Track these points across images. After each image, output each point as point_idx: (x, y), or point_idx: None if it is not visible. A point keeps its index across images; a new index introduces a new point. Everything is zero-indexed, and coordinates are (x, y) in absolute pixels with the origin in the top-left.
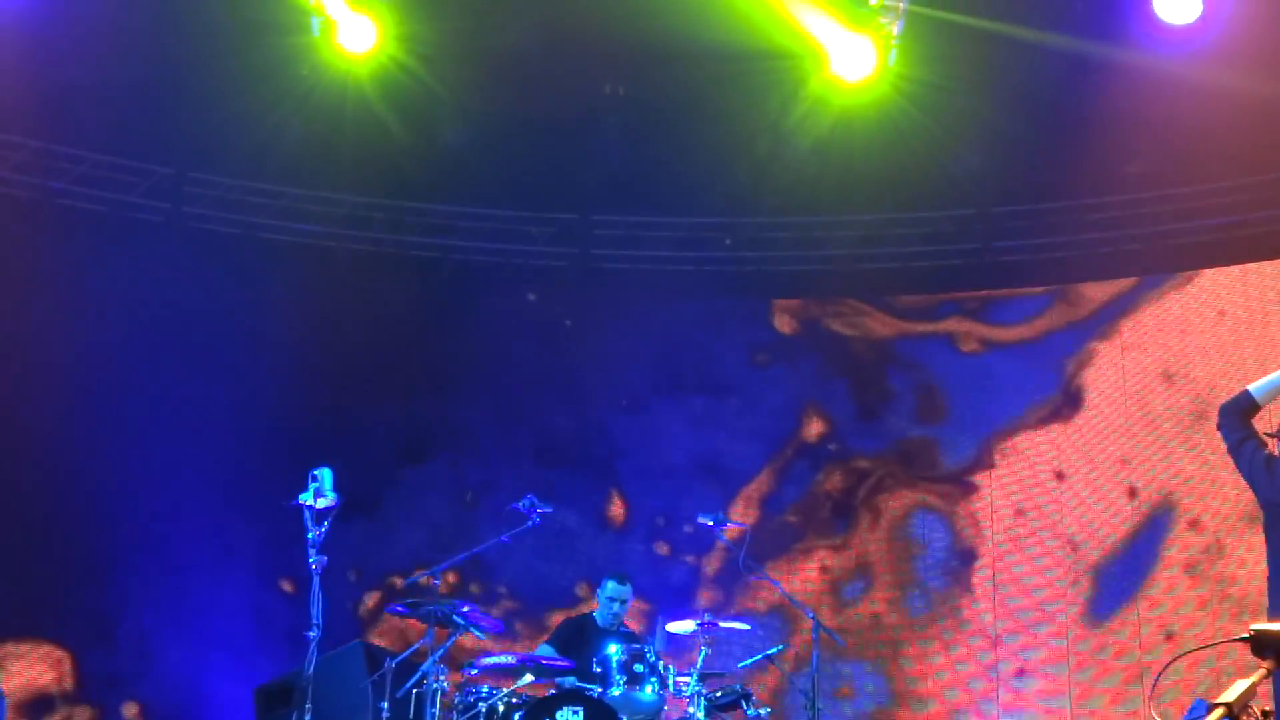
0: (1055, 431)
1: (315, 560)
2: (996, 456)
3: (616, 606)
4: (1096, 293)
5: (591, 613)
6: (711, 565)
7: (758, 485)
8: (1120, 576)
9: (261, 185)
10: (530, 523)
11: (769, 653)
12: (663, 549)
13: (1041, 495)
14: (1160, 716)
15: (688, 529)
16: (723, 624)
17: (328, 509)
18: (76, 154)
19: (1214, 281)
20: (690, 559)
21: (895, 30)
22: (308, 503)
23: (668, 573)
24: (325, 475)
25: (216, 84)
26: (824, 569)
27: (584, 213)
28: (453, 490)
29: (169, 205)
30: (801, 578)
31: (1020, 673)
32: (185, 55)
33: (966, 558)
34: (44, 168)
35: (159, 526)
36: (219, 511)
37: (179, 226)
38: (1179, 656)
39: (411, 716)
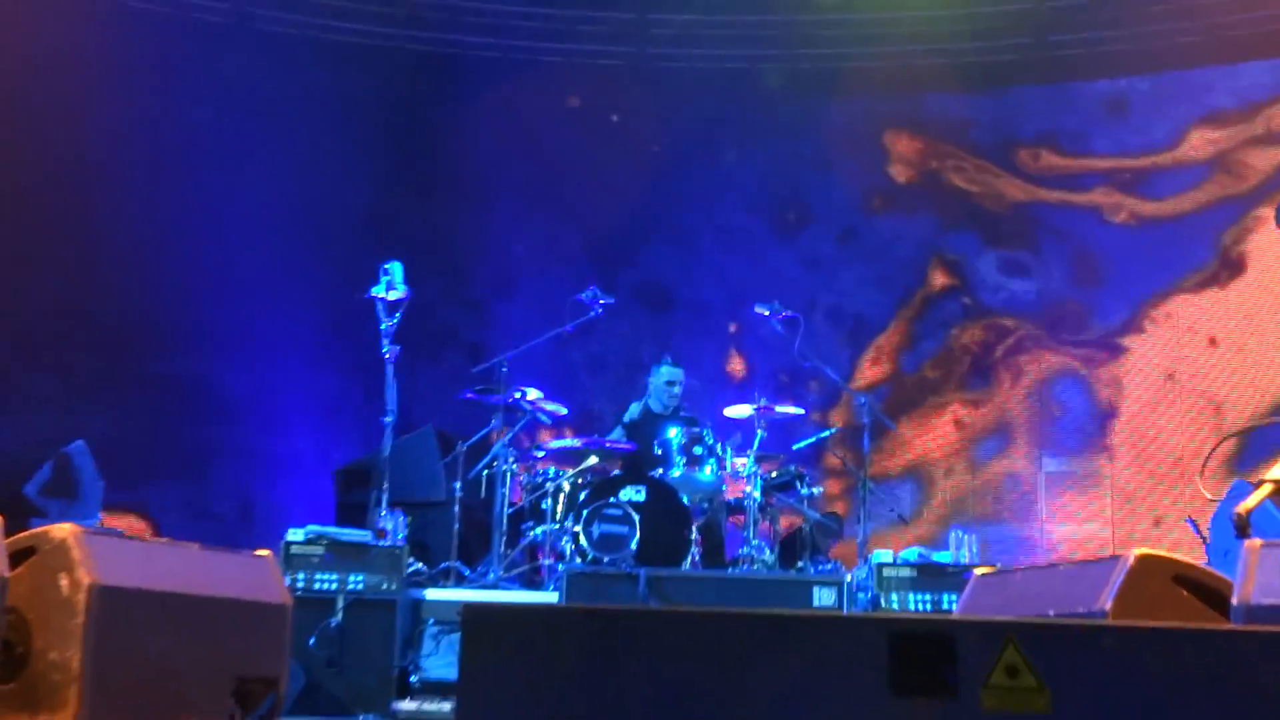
0: (1210, 298)
1: (388, 349)
2: (1146, 322)
3: (676, 389)
4: (1261, 162)
5: (646, 399)
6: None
7: (891, 335)
8: (1272, 439)
9: None
10: (592, 313)
11: (822, 435)
12: (736, 363)
13: (1193, 360)
14: (1208, 492)
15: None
16: (778, 409)
17: (399, 301)
18: None
19: None
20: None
21: None
22: (380, 295)
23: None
24: (396, 269)
25: None
26: (959, 423)
27: (640, 10)
28: (516, 282)
29: (234, 7)
30: (939, 432)
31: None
32: None
33: (1107, 419)
34: None
35: (242, 316)
36: (298, 304)
37: (245, 29)
38: (1230, 436)
39: (483, 496)
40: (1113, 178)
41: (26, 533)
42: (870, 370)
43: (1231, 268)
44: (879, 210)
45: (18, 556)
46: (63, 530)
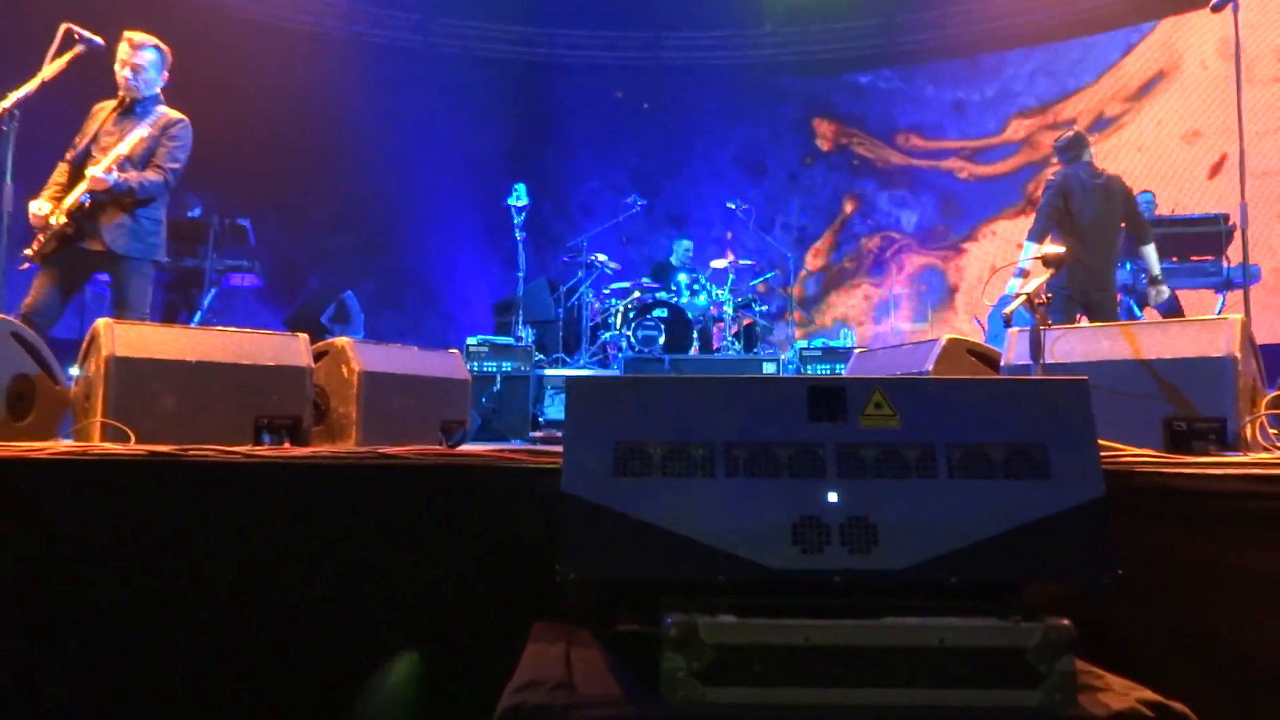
0: (1018, 224)
1: (520, 235)
2: (980, 236)
3: (683, 252)
4: (1050, 139)
5: (670, 257)
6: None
7: (823, 242)
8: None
9: (468, 23)
10: (635, 210)
11: (766, 276)
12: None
13: (1004, 257)
14: (988, 301)
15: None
16: (741, 261)
17: (523, 206)
18: (363, 8)
19: None
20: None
21: None
22: (513, 203)
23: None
24: (521, 188)
25: None
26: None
27: (657, 30)
28: (590, 195)
29: (421, 37)
30: (854, 300)
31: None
32: None
33: (953, 293)
34: (343, 13)
35: (436, 218)
36: (468, 210)
37: (431, 49)
38: (999, 270)
39: (576, 317)
40: (959, 152)
41: (323, 342)
42: (811, 262)
43: (1030, 205)
44: (810, 166)
45: (318, 355)
46: (342, 340)
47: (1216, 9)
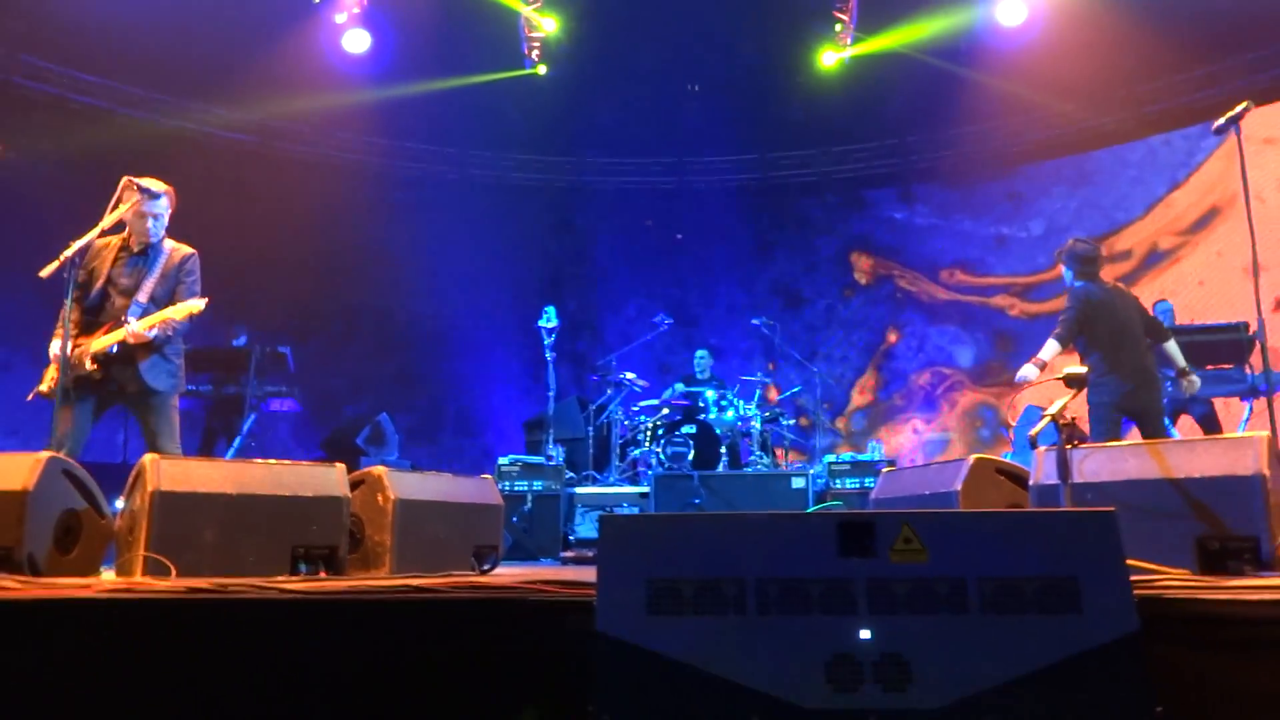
0: (1070, 359)
1: (550, 356)
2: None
3: (704, 364)
4: (1105, 275)
5: (694, 371)
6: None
7: (868, 378)
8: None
9: (502, 154)
10: (662, 328)
11: (792, 390)
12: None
13: (1054, 393)
14: (1012, 419)
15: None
16: (766, 379)
17: (553, 328)
18: (399, 144)
19: None
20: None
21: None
22: (544, 325)
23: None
24: (551, 310)
25: (467, 100)
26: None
27: (680, 156)
28: (619, 314)
29: (457, 169)
30: (904, 436)
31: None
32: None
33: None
34: (382, 150)
35: (472, 337)
36: (502, 329)
37: (468, 180)
38: (1030, 384)
39: (605, 434)
40: (1008, 289)
41: (359, 470)
42: (858, 398)
43: None
44: (849, 297)
45: (354, 484)
46: (378, 469)
47: (1219, 132)
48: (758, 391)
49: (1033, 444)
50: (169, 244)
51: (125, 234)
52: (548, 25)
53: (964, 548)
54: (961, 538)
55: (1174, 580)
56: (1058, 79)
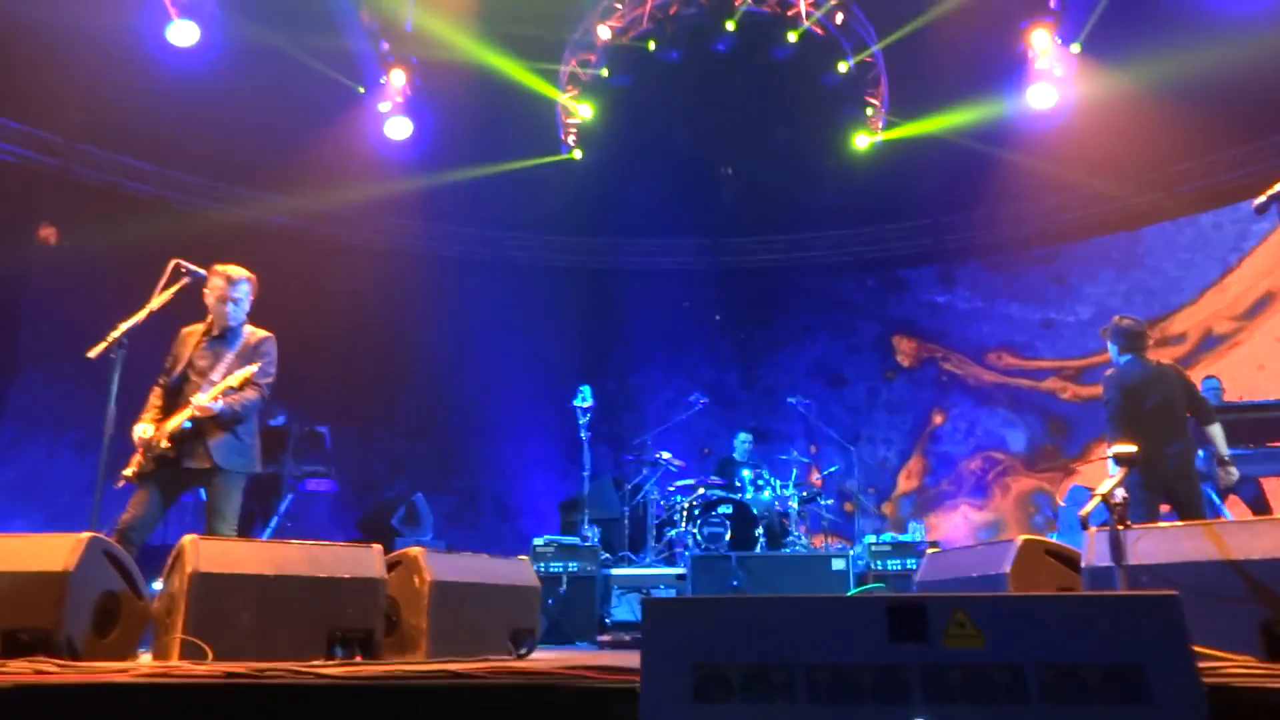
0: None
1: (585, 435)
2: (1093, 456)
3: (747, 446)
4: (1161, 356)
5: (732, 453)
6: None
7: (915, 463)
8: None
9: (539, 236)
10: (698, 407)
11: (830, 469)
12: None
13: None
14: (1060, 501)
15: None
16: (804, 459)
17: (588, 407)
18: (439, 227)
19: None
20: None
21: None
22: (578, 404)
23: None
24: (586, 389)
25: (505, 185)
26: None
27: (715, 237)
28: (653, 393)
29: (495, 251)
30: (954, 522)
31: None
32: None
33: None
34: (421, 232)
35: (506, 417)
36: (536, 409)
37: (504, 262)
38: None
39: (641, 514)
40: (1059, 372)
41: (395, 552)
42: (905, 483)
43: None
44: (892, 379)
45: (391, 565)
46: (415, 550)
47: (1260, 210)
48: (794, 471)
49: (1083, 524)
50: (249, 328)
51: (209, 320)
52: (584, 111)
53: (1021, 633)
54: (1018, 622)
55: (1240, 668)
56: (1092, 159)
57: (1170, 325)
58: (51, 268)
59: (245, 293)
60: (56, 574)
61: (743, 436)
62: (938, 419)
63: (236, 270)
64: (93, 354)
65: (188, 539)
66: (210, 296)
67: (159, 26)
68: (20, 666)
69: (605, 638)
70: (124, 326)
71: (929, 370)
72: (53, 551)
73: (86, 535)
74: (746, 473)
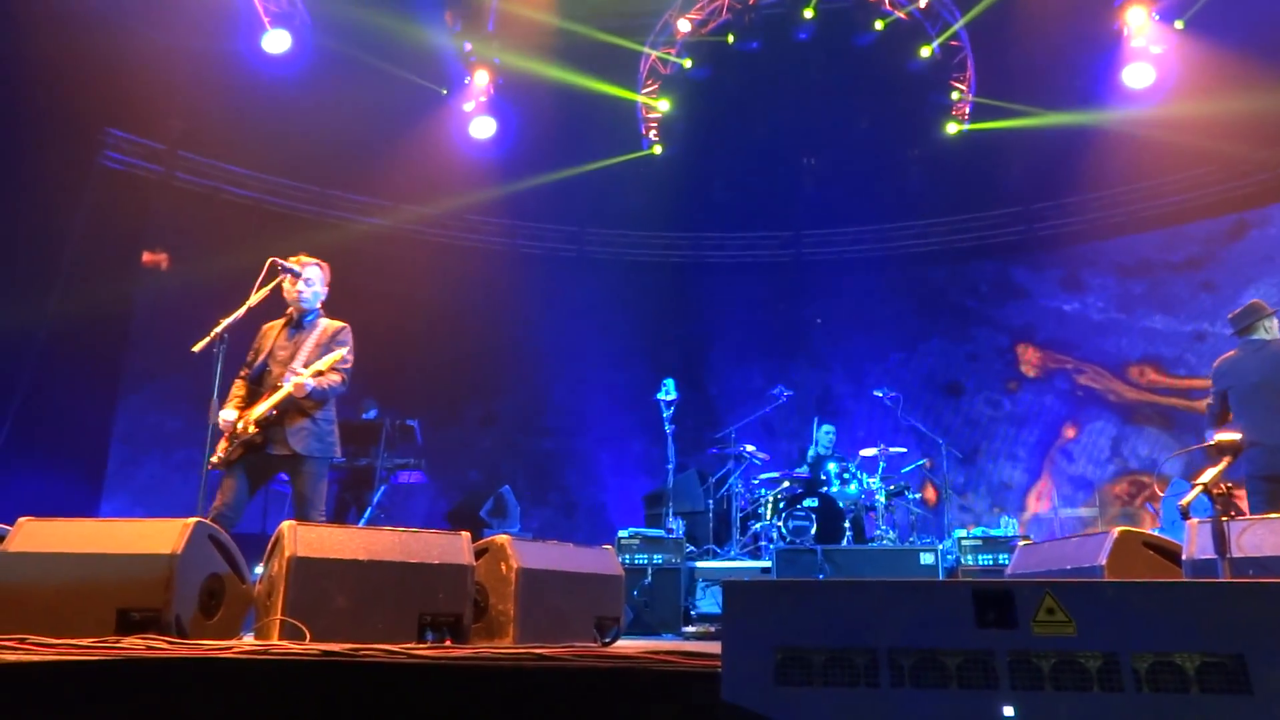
0: None
1: (669, 428)
2: None
3: (828, 439)
4: None
5: (815, 445)
6: None
7: (1044, 483)
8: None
9: (621, 231)
10: (781, 400)
11: (919, 463)
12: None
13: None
14: (1161, 491)
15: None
16: (891, 449)
17: (672, 400)
18: (523, 224)
19: None
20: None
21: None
22: (662, 398)
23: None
24: (670, 383)
25: (586, 180)
26: None
27: (796, 229)
28: (737, 386)
29: (576, 247)
30: None
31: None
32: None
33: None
34: (504, 230)
35: (591, 411)
36: (621, 404)
37: (585, 258)
38: (1174, 455)
39: (725, 508)
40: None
41: (483, 540)
42: (1034, 504)
43: None
44: (1014, 391)
45: (479, 553)
46: (502, 538)
47: None
48: (881, 465)
49: (1184, 516)
50: (325, 319)
51: (288, 313)
52: (662, 106)
53: (1114, 620)
54: (1111, 609)
55: None
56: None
57: None
58: (158, 281)
59: (317, 276)
60: (165, 556)
61: (826, 428)
62: (1069, 433)
63: (306, 257)
64: (197, 348)
65: (286, 525)
66: (287, 288)
67: (254, 36)
68: (133, 642)
69: (690, 629)
70: (225, 322)
71: (1058, 382)
72: (161, 535)
73: (193, 520)
74: (833, 466)
